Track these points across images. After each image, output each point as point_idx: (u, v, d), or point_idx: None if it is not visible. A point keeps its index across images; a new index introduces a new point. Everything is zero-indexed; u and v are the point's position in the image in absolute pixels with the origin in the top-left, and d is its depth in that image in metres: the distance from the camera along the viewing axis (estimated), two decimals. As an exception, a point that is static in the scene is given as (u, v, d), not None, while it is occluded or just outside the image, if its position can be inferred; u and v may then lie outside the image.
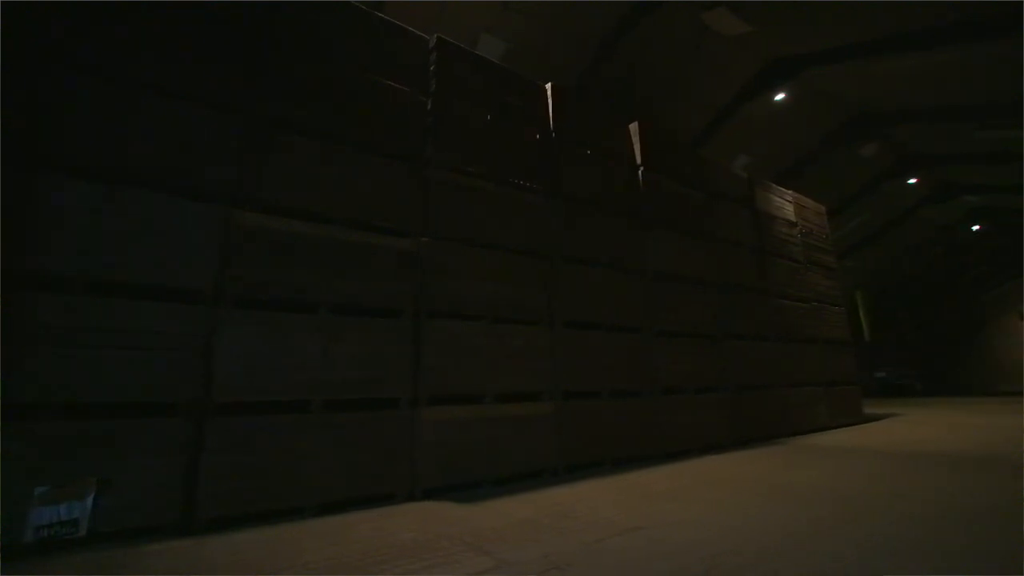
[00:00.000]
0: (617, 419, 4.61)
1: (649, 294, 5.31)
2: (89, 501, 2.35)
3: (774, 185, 8.07)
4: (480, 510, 2.99)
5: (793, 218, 8.01)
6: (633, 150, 5.85)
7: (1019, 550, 2.09)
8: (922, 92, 8.98)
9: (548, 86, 5.21)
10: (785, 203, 8.01)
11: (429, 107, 4.22)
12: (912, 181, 13.25)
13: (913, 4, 6.46)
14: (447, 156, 4.17)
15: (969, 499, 2.96)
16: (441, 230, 3.97)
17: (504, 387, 3.98)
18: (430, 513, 2.97)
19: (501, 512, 2.92)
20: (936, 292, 19.92)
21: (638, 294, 5.22)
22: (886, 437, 5.98)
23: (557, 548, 2.24)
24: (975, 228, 16.67)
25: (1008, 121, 9.09)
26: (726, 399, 5.67)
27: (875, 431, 6.65)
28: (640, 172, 5.75)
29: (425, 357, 3.63)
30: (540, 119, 5.05)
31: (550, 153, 4.95)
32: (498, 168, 4.47)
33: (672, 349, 5.31)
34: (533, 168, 4.75)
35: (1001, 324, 18.86)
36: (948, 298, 19.87)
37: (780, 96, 9.25)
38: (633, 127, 5.94)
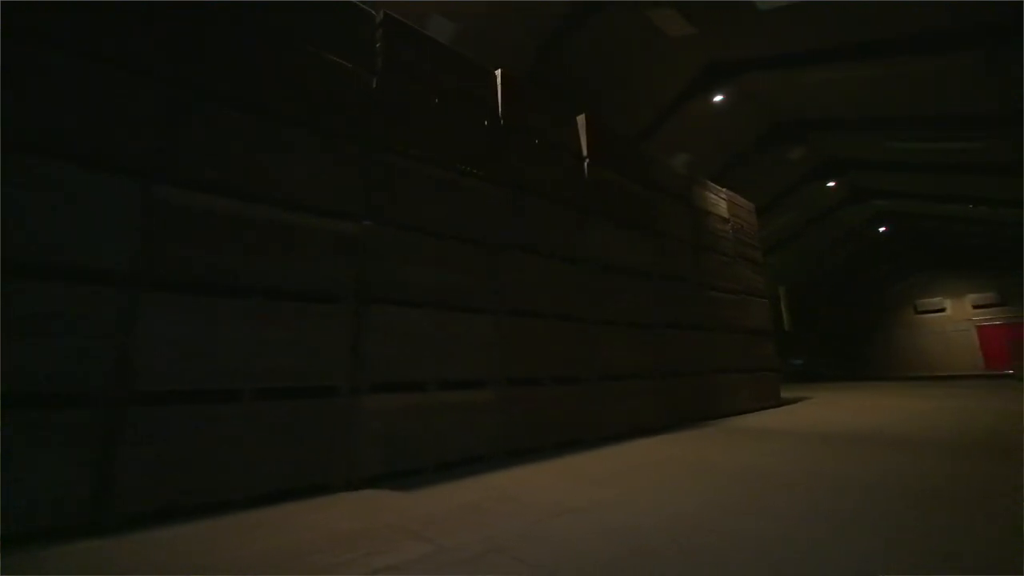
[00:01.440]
0: (558, 405, 4.73)
1: (591, 283, 5.45)
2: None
3: (710, 183, 8.48)
4: (421, 497, 2.99)
5: (726, 214, 8.47)
6: (580, 142, 5.94)
7: (915, 512, 2.36)
8: (845, 103, 9.73)
9: (498, 72, 5.17)
10: (720, 200, 8.45)
11: (374, 86, 4.07)
12: (831, 184, 14.40)
13: (852, 12, 6.91)
14: (391, 138, 4.04)
15: (868, 472, 3.31)
16: (384, 214, 3.86)
17: (447, 374, 3.96)
18: (370, 502, 2.92)
19: (442, 498, 2.93)
20: (848, 287, 21.89)
21: (581, 283, 5.34)
22: (800, 419, 6.54)
23: (497, 531, 2.28)
24: (881, 230, 18.44)
25: (922, 133, 10.05)
26: (660, 385, 5.97)
27: (791, 413, 7.24)
28: (586, 164, 5.85)
29: (365, 344, 3.54)
30: (489, 105, 5.00)
31: (498, 140, 4.93)
32: (444, 153, 4.39)
33: (612, 337, 5.51)
34: (480, 154, 4.71)
35: (900, 317, 21.07)
36: (858, 293, 21.90)
37: (719, 98, 9.71)
38: (581, 119, 6.02)
